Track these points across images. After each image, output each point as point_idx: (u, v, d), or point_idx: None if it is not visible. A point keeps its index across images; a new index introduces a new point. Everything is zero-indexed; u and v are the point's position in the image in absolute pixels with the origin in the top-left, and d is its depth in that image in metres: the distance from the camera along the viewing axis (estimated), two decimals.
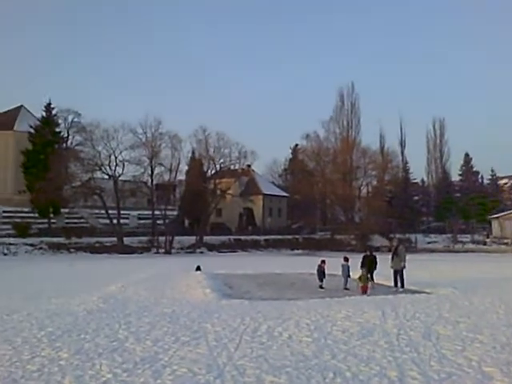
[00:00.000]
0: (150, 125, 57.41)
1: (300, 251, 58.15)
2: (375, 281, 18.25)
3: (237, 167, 66.34)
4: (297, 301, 14.81)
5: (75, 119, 66.49)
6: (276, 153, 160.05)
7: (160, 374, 6.88)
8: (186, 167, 64.87)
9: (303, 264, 31.34)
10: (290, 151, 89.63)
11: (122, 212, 56.30)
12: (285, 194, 77.95)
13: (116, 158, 55.44)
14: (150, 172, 58.18)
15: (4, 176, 73.38)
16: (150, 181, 59.08)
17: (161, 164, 59.20)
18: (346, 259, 18.50)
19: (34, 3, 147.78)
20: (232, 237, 62.08)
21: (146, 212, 63.32)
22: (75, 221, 61.46)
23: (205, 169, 63.06)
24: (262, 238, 63.36)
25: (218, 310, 12.91)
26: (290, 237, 65.05)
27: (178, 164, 60.64)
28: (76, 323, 11.06)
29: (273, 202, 75.83)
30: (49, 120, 62.68)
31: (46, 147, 58.55)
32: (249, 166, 69.39)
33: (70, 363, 7.55)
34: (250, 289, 18.61)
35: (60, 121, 65.65)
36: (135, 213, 66.71)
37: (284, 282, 21.00)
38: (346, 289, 17.72)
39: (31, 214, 57.69)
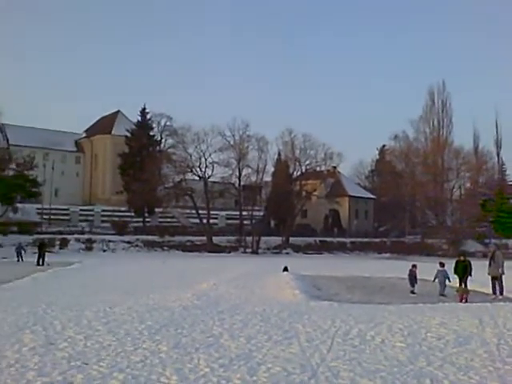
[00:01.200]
0: (237, 127, 58.90)
1: (388, 255, 56.72)
2: (469, 287, 17.45)
3: (322, 169, 66.05)
4: (387, 305, 14.54)
5: (167, 123, 69.47)
6: (362, 154, 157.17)
7: (255, 371, 7.07)
8: (273, 169, 65.62)
9: (392, 268, 30.60)
10: (377, 152, 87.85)
11: (211, 212, 58.00)
12: (371, 195, 76.41)
13: (206, 160, 57.40)
14: (237, 174, 59.56)
15: (103, 177, 78.45)
16: (237, 182, 60.38)
17: (248, 166, 60.43)
18: (443, 265, 17.84)
19: (132, 13, 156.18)
20: (317, 238, 61.82)
21: (233, 212, 64.81)
22: (168, 220, 64.23)
23: (291, 170, 63.37)
24: (349, 240, 62.54)
25: (308, 311, 12.97)
26: (377, 240, 63.69)
27: (265, 166, 61.60)
28: (173, 318, 11.59)
29: (359, 203, 74.58)
30: (144, 124, 66.06)
31: (142, 150, 61.74)
32: (334, 167, 68.82)
33: (170, 356, 7.92)
34: (339, 291, 18.51)
35: (154, 125, 68.96)
36: (223, 213, 68.51)
37: (373, 286, 20.67)
38: (443, 295, 17.07)
39: (128, 213, 61.10)
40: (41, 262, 30.63)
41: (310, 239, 60.83)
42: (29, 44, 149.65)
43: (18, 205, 55.83)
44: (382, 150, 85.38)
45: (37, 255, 31.67)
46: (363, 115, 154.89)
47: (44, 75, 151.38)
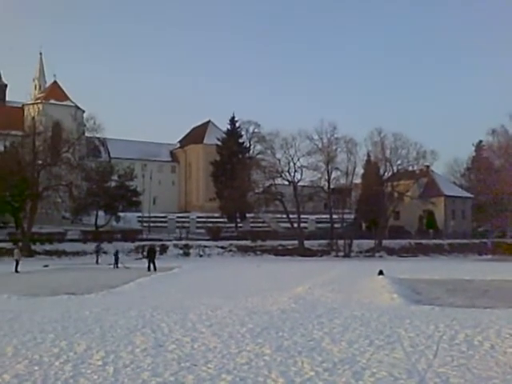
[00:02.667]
0: (325, 130, 58.50)
1: (489, 256, 53.60)
2: None
3: (415, 168, 63.84)
4: (494, 309, 13.82)
5: (256, 130, 70.62)
6: (456, 151, 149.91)
7: (361, 376, 7.06)
8: (362, 170, 64.43)
9: (495, 270, 29.00)
10: (473, 148, 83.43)
11: (301, 216, 58.08)
12: (468, 194, 72.54)
13: (294, 164, 57.64)
14: (326, 177, 59.08)
15: (197, 185, 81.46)
16: (326, 185, 59.94)
17: (337, 168, 59.77)
18: None
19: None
20: (412, 240, 59.72)
21: (323, 216, 64.41)
22: (259, 225, 65.26)
23: (381, 171, 61.90)
24: (446, 241, 59.81)
25: (409, 315, 12.66)
26: (476, 241, 60.35)
27: (354, 168, 60.60)
28: (272, 321, 11.81)
29: (455, 203, 71.05)
30: (233, 132, 67.84)
31: (232, 157, 63.42)
32: (427, 166, 66.27)
33: (274, 359, 8.08)
34: (440, 295, 17.84)
35: (243, 132, 70.45)
36: (313, 217, 68.32)
37: (475, 289, 19.69)
38: None
39: (221, 219, 62.95)
40: (152, 268, 31.12)
41: (404, 241, 58.88)
42: (128, 65, 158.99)
43: (121, 214, 59.41)
44: (479, 146, 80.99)
45: (147, 261, 32.21)
46: (456, 111, 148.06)
47: (140, 91, 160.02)
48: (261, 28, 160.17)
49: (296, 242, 55.08)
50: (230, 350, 8.73)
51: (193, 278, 27.07)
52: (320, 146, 58.68)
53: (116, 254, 37.56)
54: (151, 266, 31.36)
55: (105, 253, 46.73)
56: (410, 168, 63.04)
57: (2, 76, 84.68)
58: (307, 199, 61.42)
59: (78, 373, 7.24)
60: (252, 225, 64.99)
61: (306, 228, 63.68)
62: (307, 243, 55.43)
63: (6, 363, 7.82)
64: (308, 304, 14.94)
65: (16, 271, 30.65)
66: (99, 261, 40.40)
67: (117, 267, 35.87)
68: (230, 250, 53.26)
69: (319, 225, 67.17)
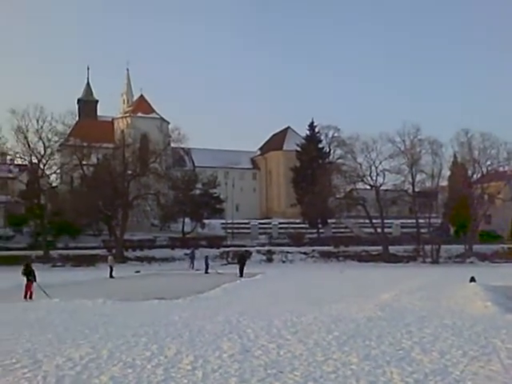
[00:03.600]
0: (407, 132, 56.74)
1: None
2: None
3: (506, 169, 60.24)
4: None
5: (335, 134, 69.80)
6: None
7: None
8: (449, 172, 61.76)
9: None
10: None
11: (385, 221, 56.63)
12: None
13: (376, 168, 56.36)
14: (410, 180, 57.24)
15: (278, 191, 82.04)
16: (411, 188, 58.06)
17: (422, 171, 57.75)
18: None
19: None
20: (506, 245, 56.25)
21: (408, 220, 62.35)
22: (341, 230, 64.39)
23: (469, 173, 58.94)
24: None
25: (505, 325, 11.95)
26: None
27: (440, 170, 58.19)
28: (358, 329, 11.60)
29: None
30: (312, 137, 67.63)
31: (312, 163, 63.22)
32: None
33: (361, 368, 7.91)
34: None
35: (322, 137, 69.97)
36: (398, 221, 66.35)
37: None
38: None
39: (303, 225, 62.87)
40: (241, 274, 31.64)
41: (497, 246, 55.61)
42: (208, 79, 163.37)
43: (206, 221, 61.14)
44: None
45: (238, 267, 32.73)
46: None
47: (220, 101, 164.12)
48: (339, 32, 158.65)
49: (380, 247, 53.75)
50: (316, 358, 8.66)
51: (276, 284, 27.22)
52: (402, 148, 57.03)
53: (206, 260, 38.62)
54: (241, 271, 31.96)
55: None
56: (501, 169, 59.59)
57: (94, 93, 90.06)
58: (390, 203, 59.78)
59: (168, 376, 7.48)
60: (334, 230, 64.27)
61: (390, 233, 61.98)
62: (392, 249, 53.89)
63: (102, 365, 8.22)
64: (395, 312, 14.54)
65: (111, 277, 32.40)
66: (194, 266, 41.11)
67: (207, 272, 36.78)
68: (313, 256, 53.02)
69: (404, 230, 65.05)
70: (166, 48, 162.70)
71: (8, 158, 59.46)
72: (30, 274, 19.70)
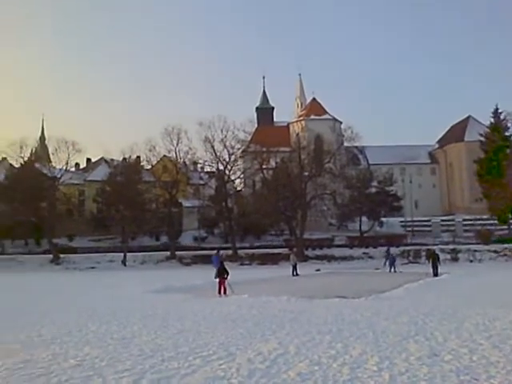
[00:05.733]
0: None
1: None
2: None
3: None
4: None
5: None
6: None
7: None
8: None
9: None
10: None
11: None
12: None
13: None
14: None
15: (460, 186, 76.81)
16: None
17: None
18: None
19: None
20: None
21: None
22: None
23: None
24: None
25: None
26: None
27: None
28: None
29: None
30: (497, 126, 61.64)
31: (498, 153, 57.64)
32: None
33: None
34: None
35: (508, 124, 63.41)
36: None
37: None
38: None
39: (490, 221, 57.80)
40: (435, 273, 30.51)
41: None
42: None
43: (383, 219, 59.94)
44: None
45: (431, 266, 31.53)
46: None
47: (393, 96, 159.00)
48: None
49: None
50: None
51: (463, 285, 25.47)
52: None
53: (392, 259, 37.69)
54: (435, 270, 30.71)
55: (371, 258, 47.72)
56: None
57: (270, 100, 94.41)
58: None
59: (354, 377, 7.47)
60: None
61: None
62: None
63: (290, 361, 8.52)
64: None
65: (295, 274, 33.58)
66: (392, 266, 37.47)
67: (394, 271, 36.03)
68: (504, 255, 48.26)
69: None
70: (335, 50, 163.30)
71: (199, 166, 65.77)
72: (222, 272, 21.41)
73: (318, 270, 39.54)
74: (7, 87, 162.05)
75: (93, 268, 50.10)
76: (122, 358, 8.96)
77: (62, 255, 53.95)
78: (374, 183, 61.72)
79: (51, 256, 53.64)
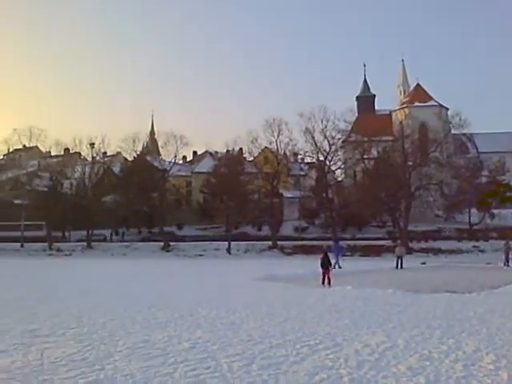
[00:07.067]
0: None
1: None
2: None
3: None
4: None
5: None
6: None
7: None
8: None
9: None
10: None
11: None
12: None
13: None
14: None
15: None
16: None
17: None
18: None
19: None
20: None
21: None
22: None
23: None
24: None
25: None
26: None
27: None
28: None
29: None
30: None
31: None
32: None
33: None
34: None
35: None
36: None
37: None
38: None
39: None
40: None
41: None
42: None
43: (494, 210, 56.29)
44: None
45: None
46: None
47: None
48: None
49: None
50: None
51: None
52: None
53: (507, 252, 35.06)
54: None
55: (481, 251, 45.19)
56: None
57: (371, 88, 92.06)
58: None
59: (469, 374, 7.25)
60: None
61: None
62: None
63: (399, 355, 8.41)
64: None
65: (400, 267, 32.60)
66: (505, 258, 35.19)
67: (508, 266, 34.02)
68: None
69: None
70: (438, 37, 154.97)
71: (299, 157, 66.16)
72: (324, 262, 21.51)
73: (424, 264, 38.12)
74: (123, 90, 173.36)
75: (201, 256, 52.39)
76: (233, 343, 9.42)
77: (171, 243, 57.02)
78: (485, 172, 58.14)
79: (162, 243, 56.85)
